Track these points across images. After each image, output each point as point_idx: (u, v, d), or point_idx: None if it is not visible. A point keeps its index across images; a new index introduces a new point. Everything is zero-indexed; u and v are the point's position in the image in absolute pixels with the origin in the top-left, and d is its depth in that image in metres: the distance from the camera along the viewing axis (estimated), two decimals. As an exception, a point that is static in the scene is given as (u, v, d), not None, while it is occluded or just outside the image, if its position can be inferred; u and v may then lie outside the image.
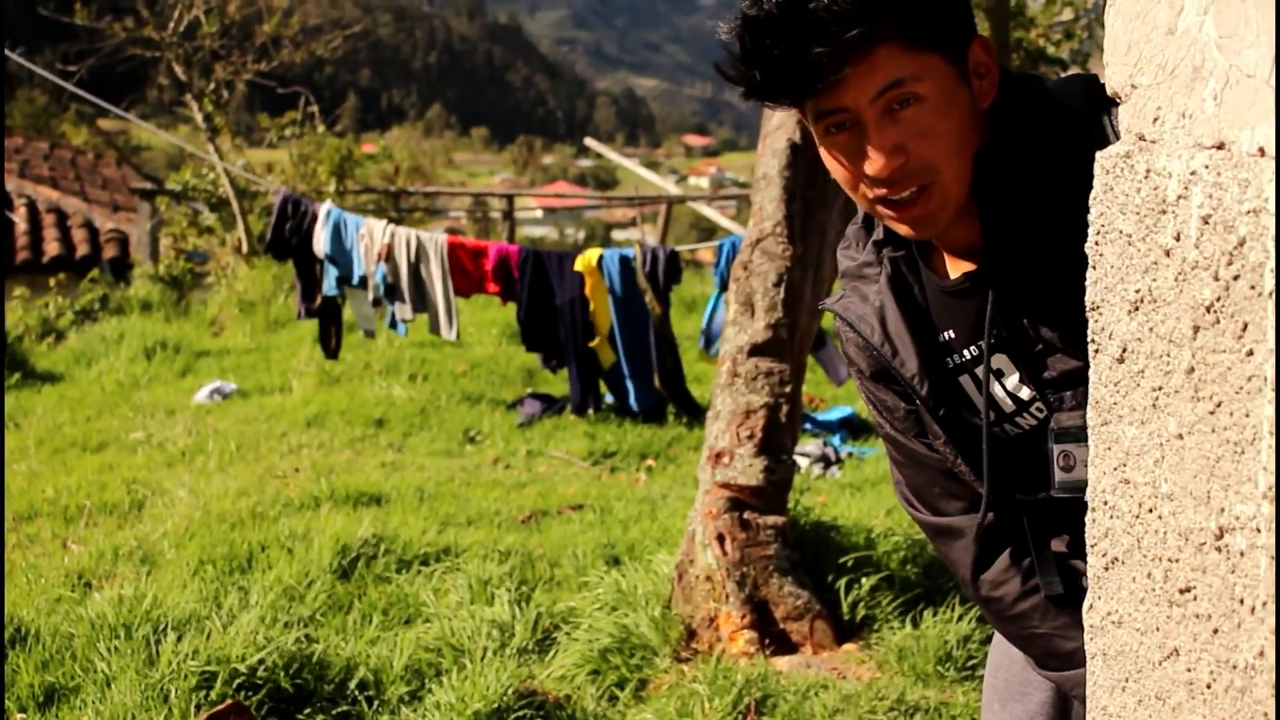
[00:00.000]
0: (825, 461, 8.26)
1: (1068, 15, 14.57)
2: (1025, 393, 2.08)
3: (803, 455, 8.14)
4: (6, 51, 12.16)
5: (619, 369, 9.26)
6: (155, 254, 16.42)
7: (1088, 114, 1.93)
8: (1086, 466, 1.99)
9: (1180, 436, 1.30)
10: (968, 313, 2.08)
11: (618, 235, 57.91)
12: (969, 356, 2.12)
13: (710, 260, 21.18)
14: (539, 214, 40.40)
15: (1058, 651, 2.20)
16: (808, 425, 8.99)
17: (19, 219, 19.47)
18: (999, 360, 2.08)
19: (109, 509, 7.06)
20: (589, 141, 30.87)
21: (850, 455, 8.55)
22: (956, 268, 2.09)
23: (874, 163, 1.87)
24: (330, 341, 10.05)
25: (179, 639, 4.54)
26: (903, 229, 1.98)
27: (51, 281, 15.32)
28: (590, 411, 9.38)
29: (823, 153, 1.97)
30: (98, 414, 9.72)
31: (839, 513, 6.19)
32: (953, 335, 2.12)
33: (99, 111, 17.78)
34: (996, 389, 2.10)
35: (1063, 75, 2.13)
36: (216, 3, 16.91)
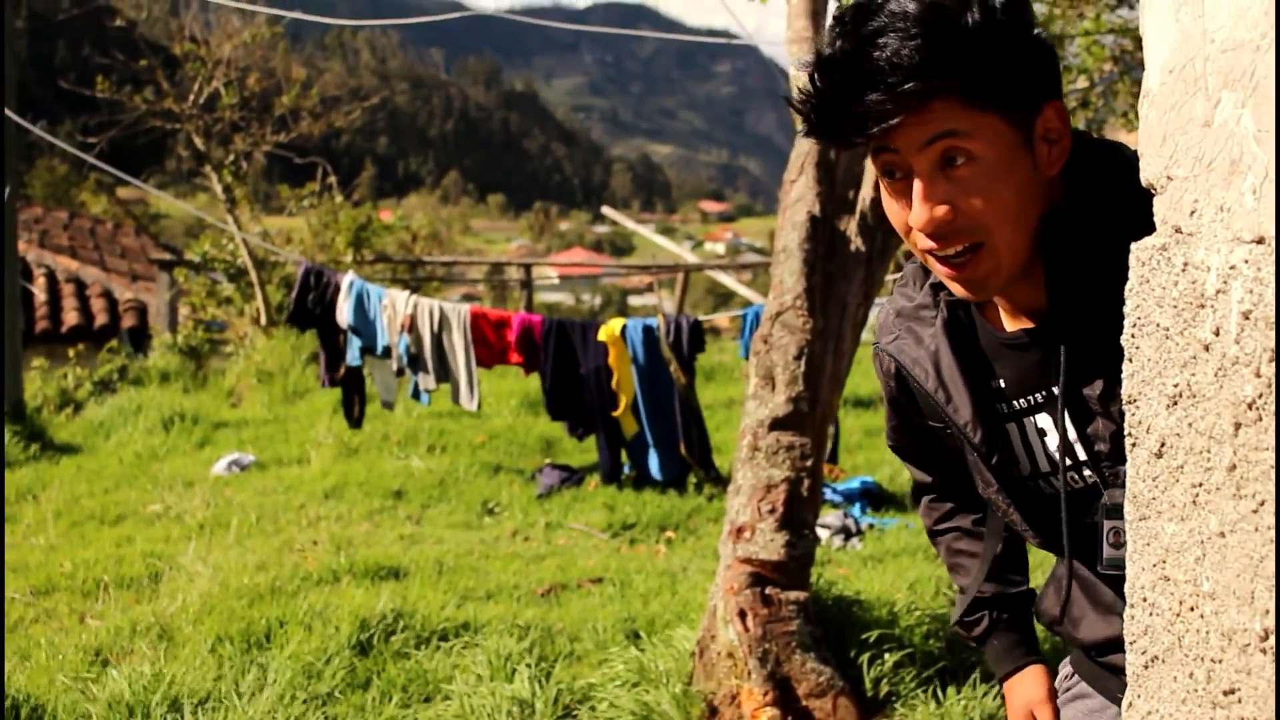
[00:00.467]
0: (846, 533, 8.21)
1: (1083, 84, 14.59)
2: (1065, 460, 2.06)
3: (823, 527, 8.09)
4: (27, 124, 12.25)
5: (641, 438, 9.24)
6: (174, 324, 16.46)
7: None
8: None
9: (1222, 535, 1.27)
10: (1022, 364, 2.06)
11: (634, 301, 58.06)
12: (1021, 406, 2.09)
13: (727, 327, 21.21)
14: (555, 280, 40.57)
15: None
16: (828, 496, 8.94)
17: (38, 289, 19.57)
18: (1043, 421, 2.06)
19: (127, 583, 7.03)
20: (606, 210, 30.98)
21: (871, 527, 8.50)
22: (1014, 323, 2.06)
23: (918, 214, 1.85)
24: (353, 410, 10.06)
25: (197, 718, 4.50)
26: (955, 288, 1.96)
27: (70, 352, 15.36)
28: (614, 481, 9.36)
29: (883, 194, 1.96)
30: (116, 486, 9.71)
31: (861, 586, 6.14)
32: (1006, 382, 2.10)
33: (118, 180, 17.89)
34: (1037, 446, 2.10)
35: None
36: (236, 75, 17.04)
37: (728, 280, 22.33)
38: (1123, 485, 1.97)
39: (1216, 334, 1.26)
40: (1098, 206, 1.91)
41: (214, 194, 17.07)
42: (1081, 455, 2.03)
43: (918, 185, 1.85)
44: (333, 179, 18.17)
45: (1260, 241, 1.21)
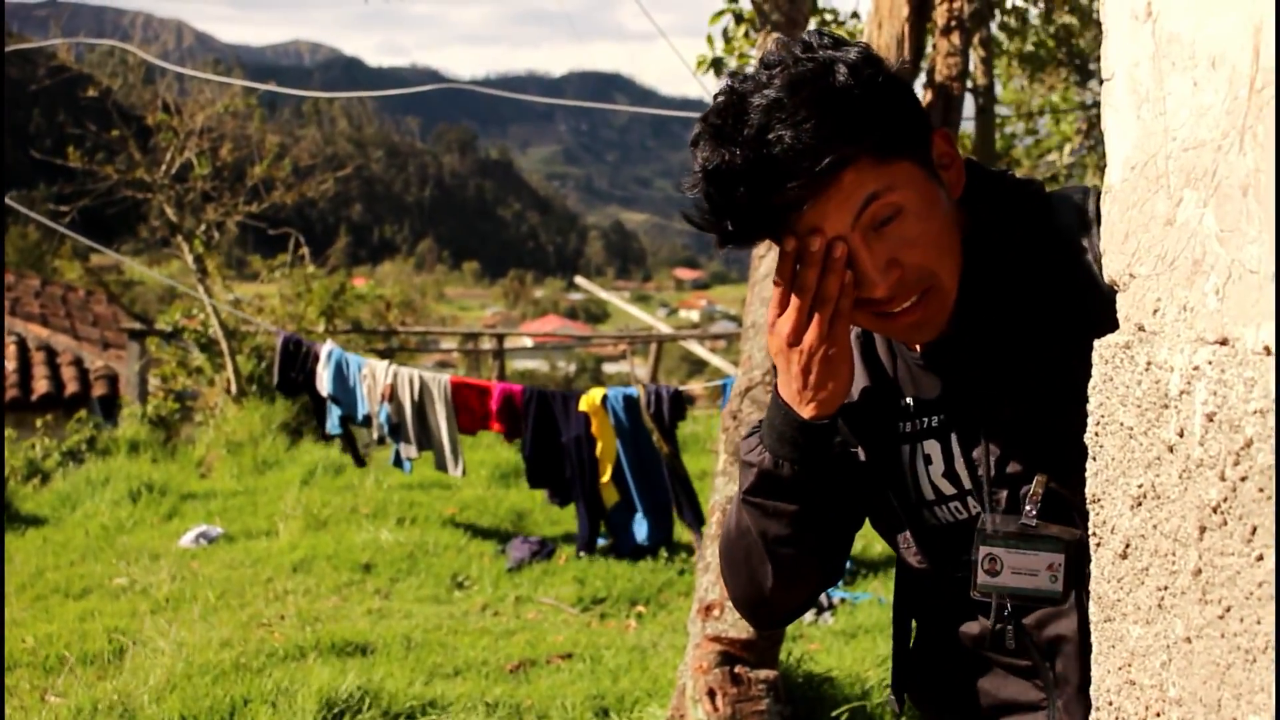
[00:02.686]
0: (818, 608, 8.16)
1: (1053, 157, 14.70)
2: (948, 487, 2.04)
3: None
4: (-2, 194, 12.22)
5: (625, 507, 9.21)
6: (144, 394, 16.36)
7: (1076, 209, 1.95)
8: (1014, 574, 1.93)
9: (1189, 640, 1.25)
10: (931, 385, 2.05)
11: (609, 369, 57.97)
12: (919, 427, 2.06)
13: (701, 395, 21.18)
14: (529, 345, 40.66)
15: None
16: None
17: (8, 358, 19.45)
18: (930, 447, 2.04)
19: (90, 659, 6.94)
20: (580, 280, 31.11)
21: (843, 601, 8.45)
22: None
23: (874, 287, 1.85)
24: (357, 450, 10.18)
25: (156, 802, 4.43)
26: (900, 336, 1.98)
27: (38, 422, 15.24)
28: (584, 554, 9.31)
29: None
30: (81, 559, 9.62)
31: (832, 663, 6.10)
32: (911, 401, 2.07)
33: (92, 248, 17.88)
34: (922, 473, 2.06)
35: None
36: (209, 145, 17.03)
37: (700, 350, 22.38)
38: (1003, 511, 1.97)
39: (1181, 435, 1.24)
40: (996, 230, 1.95)
41: (185, 264, 17.03)
42: (966, 483, 2.02)
43: (861, 256, 1.84)
44: (305, 251, 18.14)
45: (1223, 343, 1.19)
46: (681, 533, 9.59)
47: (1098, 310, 1.76)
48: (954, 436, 2.01)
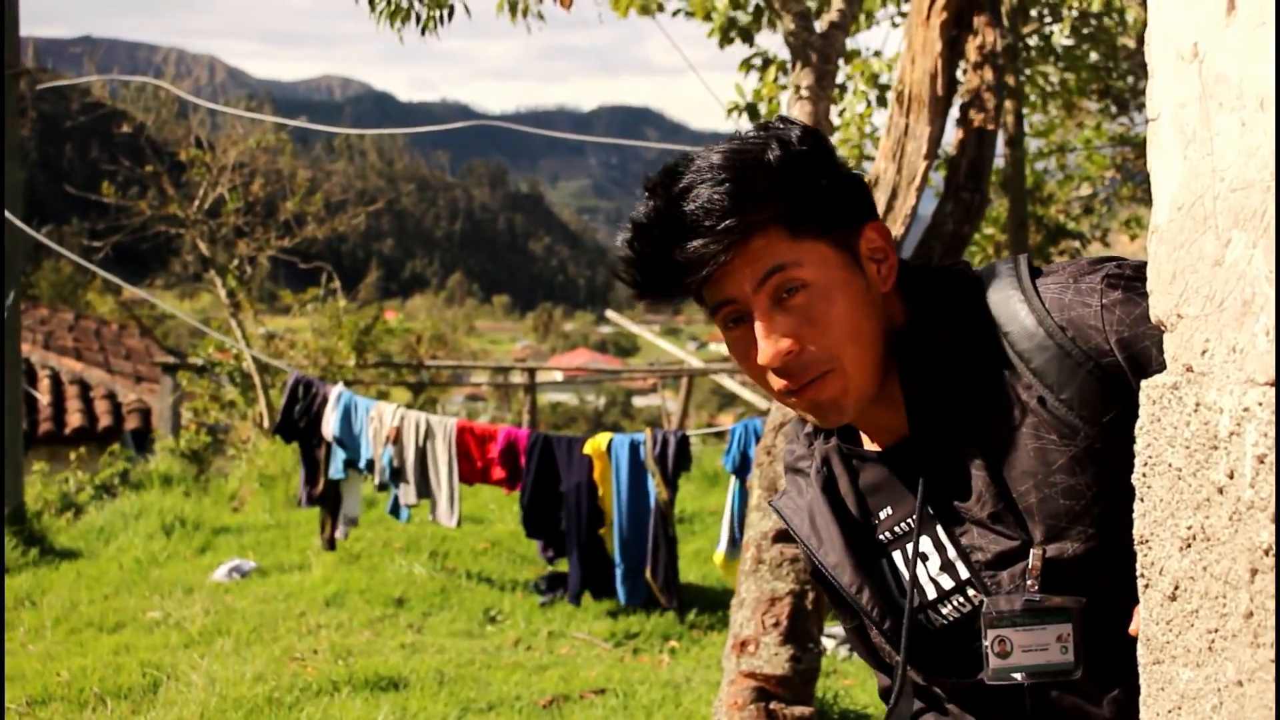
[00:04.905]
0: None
1: (1086, 190, 14.67)
2: (947, 581, 2.01)
3: (828, 636, 8.00)
4: (30, 230, 12.30)
5: (614, 560, 9.06)
6: (177, 428, 16.43)
7: (1010, 277, 1.95)
8: (1025, 652, 1.92)
9: (1240, 683, 1.24)
10: (895, 488, 2.04)
11: (639, 402, 58.03)
12: (901, 531, 2.05)
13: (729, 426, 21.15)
14: (558, 378, 40.70)
15: None
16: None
17: (42, 391, 19.56)
18: (924, 544, 2.02)
19: (124, 694, 6.94)
20: (610, 314, 31.08)
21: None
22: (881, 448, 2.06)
23: (763, 352, 1.86)
24: (326, 531, 10.03)
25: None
26: (810, 417, 1.97)
27: (72, 455, 15.29)
28: (589, 597, 9.19)
29: (729, 346, 1.97)
30: (115, 592, 9.63)
31: (868, 700, 6.07)
32: (889, 511, 2.06)
33: (119, 284, 17.96)
34: (920, 572, 2.04)
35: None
36: (241, 181, 17.12)
37: (731, 384, 22.32)
38: (1006, 592, 1.95)
39: (1231, 477, 1.24)
40: (943, 323, 1.93)
41: (218, 298, 17.10)
42: (963, 573, 2.00)
43: (759, 325, 1.87)
44: (336, 284, 18.21)
45: (1274, 384, 1.19)
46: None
47: (1045, 376, 1.83)
48: (940, 530, 2.00)
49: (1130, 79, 13.62)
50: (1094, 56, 12.10)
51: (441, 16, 7.55)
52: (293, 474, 13.16)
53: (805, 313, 1.85)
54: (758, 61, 11.60)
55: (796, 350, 1.85)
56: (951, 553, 2.00)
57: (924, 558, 2.03)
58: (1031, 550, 1.90)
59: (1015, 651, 1.93)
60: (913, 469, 1.99)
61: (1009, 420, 1.87)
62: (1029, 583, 1.91)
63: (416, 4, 7.44)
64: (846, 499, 2.09)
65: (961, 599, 2.02)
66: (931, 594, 2.04)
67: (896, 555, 2.07)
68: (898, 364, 1.93)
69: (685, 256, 1.82)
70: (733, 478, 8.91)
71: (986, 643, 1.96)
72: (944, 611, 2.04)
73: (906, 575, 2.05)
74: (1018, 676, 1.94)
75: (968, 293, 1.96)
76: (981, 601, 1.98)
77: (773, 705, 5.00)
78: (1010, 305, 1.90)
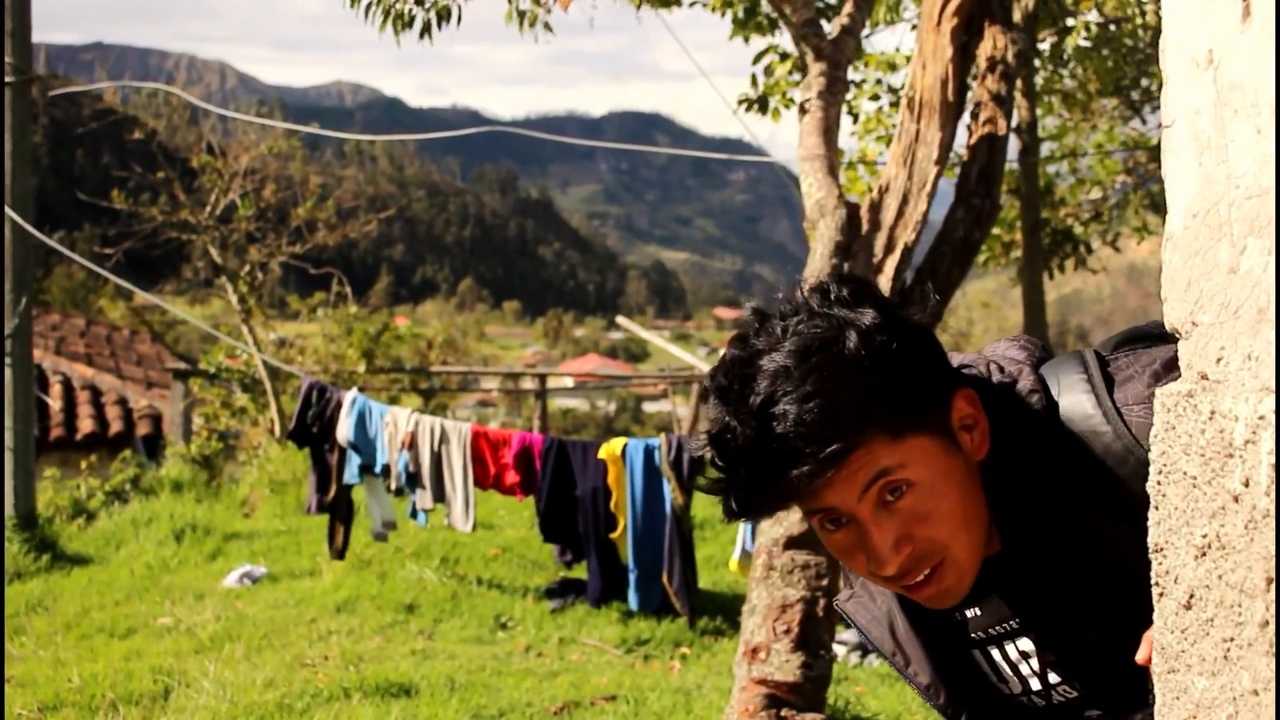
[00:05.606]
0: (863, 649, 8.11)
1: (1096, 194, 14.65)
2: (1053, 676, 1.99)
3: (839, 643, 8.00)
4: (41, 235, 12.32)
5: (628, 566, 9.02)
6: (188, 434, 16.45)
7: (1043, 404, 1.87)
8: None
9: (1255, 693, 1.23)
10: (988, 593, 1.99)
11: (649, 408, 58.00)
12: (997, 632, 2.01)
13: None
14: (569, 384, 40.70)
15: None
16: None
17: (54, 397, 19.59)
18: (1024, 643, 1.99)
19: (135, 699, 6.94)
20: (620, 320, 31.07)
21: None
22: None
23: (880, 559, 1.78)
24: (336, 540, 10.02)
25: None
26: (924, 602, 1.90)
27: (83, 462, 15.32)
28: (614, 602, 9.19)
29: (824, 540, 1.88)
30: (126, 598, 9.64)
31: (879, 706, 6.06)
32: (977, 612, 2.02)
33: (130, 290, 17.97)
34: (1024, 668, 2.01)
35: (996, 355, 2.04)
36: (253, 187, 17.14)
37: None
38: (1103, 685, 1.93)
39: (1246, 485, 1.23)
40: (1023, 453, 1.86)
41: (229, 303, 17.13)
42: (1054, 679, 1.98)
43: (873, 535, 1.77)
44: (346, 289, 18.23)
45: (1290, 392, 1.18)
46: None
47: (1134, 483, 1.72)
48: (1037, 633, 1.97)
49: (1144, 82, 13.61)
50: (1110, 64, 12.08)
51: (439, 20, 7.57)
52: (303, 480, 13.17)
53: (914, 512, 1.77)
54: (773, 56, 11.58)
55: (910, 551, 1.78)
56: (1051, 654, 1.97)
57: (1025, 656, 2.00)
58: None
59: None
60: (1004, 578, 1.95)
61: (1103, 528, 1.81)
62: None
63: (414, 7, 7.46)
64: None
65: (1066, 688, 1.99)
66: (1036, 686, 2.02)
67: (994, 651, 2.04)
68: (985, 495, 1.86)
69: (787, 488, 1.73)
70: None
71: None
72: (1053, 699, 2.02)
73: (1006, 668, 2.03)
74: None
75: (1043, 412, 1.87)
76: (1082, 694, 1.97)
77: (784, 712, 5.00)
78: (1091, 425, 1.82)
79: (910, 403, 1.75)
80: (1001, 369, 1.95)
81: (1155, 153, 13.89)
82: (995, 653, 2.04)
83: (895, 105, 12.20)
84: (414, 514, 9.62)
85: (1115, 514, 1.78)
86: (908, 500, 1.77)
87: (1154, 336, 1.95)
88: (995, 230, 14.41)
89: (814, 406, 1.68)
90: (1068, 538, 1.84)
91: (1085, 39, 11.75)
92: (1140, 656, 1.65)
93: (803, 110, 6.22)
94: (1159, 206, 14.72)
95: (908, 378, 1.76)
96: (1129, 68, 12.36)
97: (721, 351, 1.86)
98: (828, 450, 1.68)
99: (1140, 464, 1.73)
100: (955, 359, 1.95)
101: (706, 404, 1.82)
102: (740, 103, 11.83)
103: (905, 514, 1.77)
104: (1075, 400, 1.86)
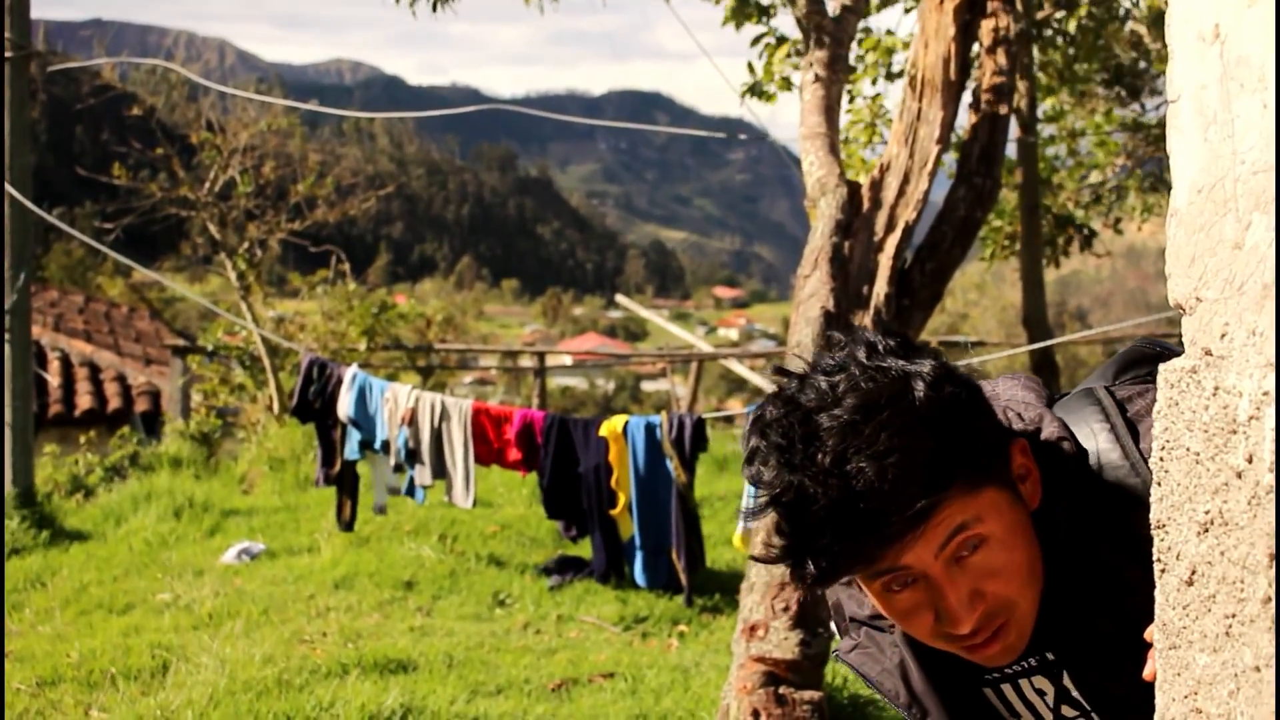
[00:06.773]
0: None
1: (1095, 178, 14.62)
2: (1070, 710, 1.96)
3: (837, 621, 8.00)
4: (40, 211, 12.30)
5: (632, 542, 9.03)
6: (186, 411, 16.45)
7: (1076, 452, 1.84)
8: None
9: (1257, 669, 1.23)
10: None
11: (647, 387, 58.08)
12: (1014, 670, 1.97)
13: (741, 412, 21.14)
14: (567, 362, 40.78)
15: None
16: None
17: (53, 373, 19.59)
18: (1040, 683, 1.96)
19: (133, 675, 6.96)
20: (619, 298, 31.10)
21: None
22: None
23: (959, 624, 1.74)
24: (344, 513, 10.03)
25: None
26: (979, 661, 1.85)
27: (82, 438, 15.32)
28: (614, 579, 9.21)
29: (880, 604, 1.82)
30: (125, 574, 9.65)
31: (876, 684, 6.05)
32: None
33: (130, 266, 17.95)
34: (1037, 704, 1.99)
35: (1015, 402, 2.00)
36: (252, 164, 17.11)
37: (740, 368, 22.31)
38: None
39: (1249, 461, 1.23)
40: (1057, 495, 1.83)
41: (228, 280, 17.11)
42: (1086, 704, 1.95)
43: (944, 590, 1.73)
44: (345, 266, 18.21)
45: (1294, 368, 1.18)
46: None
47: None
48: (1065, 673, 1.93)
49: (1141, 64, 13.59)
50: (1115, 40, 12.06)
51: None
52: (302, 456, 13.19)
53: (985, 567, 1.73)
54: (770, 40, 11.56)
55: (983, 609, 1.75)
56: (1075, 693, 1.94)
57: (1042, 693, 1.97)
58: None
59: None
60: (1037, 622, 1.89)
61: (1132, 573, 1.75)
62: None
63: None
64: None
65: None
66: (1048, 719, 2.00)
67: (1006, 688, 2.00)
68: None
69: (874, 550, 1.67)
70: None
71: None
72: None
73: (1018, 704, 2.00)
74: None
75: (1073, 460, 1.83)
76: None
77: (782, 689, 5.00)
78: (1119, 476, 1.80)
79: (982, 454, 1.72)
80: (1021, 415, 1.90)
81: (1153, 135, 13.87)
82: (1008, 689, 2.01)
83: (875, 82, 12.23)
84: (410, 490, 9.61)
85: (1145, 560, 1.76)
86: (980, 555, 1.73)
87: (1151, 358, 1.93)
88: (998, 222, 14.37)
89: (893, 463, 1.62)
90: (1098, 583, 1.81)
91: (1084, 19, 11.72)
92: (1147, 673, 1.61)
93: (807, 86, 6.21)
94: (1159, 188, 14.71)
95: (978, 428, 1.73)
96: (1123, 50, 12.36)
97: (754, 413, 1.78)
98: (914, 509, 1.64)
99: None
100: None
101: (751, 465, 1.71)
102: (743, 94, 11.82)
103: (977, 570, 1.74)
104: (1102, 449, 1.83)
